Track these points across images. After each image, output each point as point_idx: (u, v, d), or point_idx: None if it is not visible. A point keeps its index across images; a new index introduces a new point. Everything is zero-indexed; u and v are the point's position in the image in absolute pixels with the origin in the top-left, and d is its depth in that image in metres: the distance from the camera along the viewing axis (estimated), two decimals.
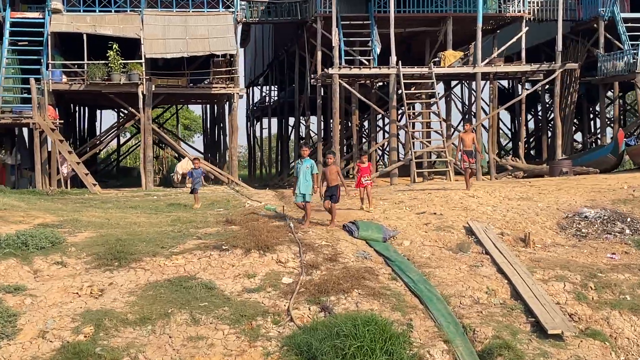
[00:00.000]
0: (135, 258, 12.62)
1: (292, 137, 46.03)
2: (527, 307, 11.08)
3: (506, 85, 43.97)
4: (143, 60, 29.19)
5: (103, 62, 28.86)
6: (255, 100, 52.25)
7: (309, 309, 10.95)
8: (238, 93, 31.18)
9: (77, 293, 11.44)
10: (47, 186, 27.57)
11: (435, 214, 15.72)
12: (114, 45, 28.60)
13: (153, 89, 29.64)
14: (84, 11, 30.51)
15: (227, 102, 33.83)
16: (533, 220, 15.35)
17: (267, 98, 48.00)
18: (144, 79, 29.19)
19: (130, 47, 30.09)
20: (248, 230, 14.10)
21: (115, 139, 46.60)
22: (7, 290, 11.36)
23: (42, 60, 29.31)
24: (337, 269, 12.27)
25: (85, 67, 29.07)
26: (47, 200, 21.13)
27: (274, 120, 48.41)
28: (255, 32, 47.91)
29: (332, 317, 10.43)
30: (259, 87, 51.49)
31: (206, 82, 32.19)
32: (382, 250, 13.30)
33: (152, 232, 14.62)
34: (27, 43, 30.01)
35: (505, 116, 48.28)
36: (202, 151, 46.00)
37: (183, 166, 31.37)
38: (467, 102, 40.33)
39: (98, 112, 47.38)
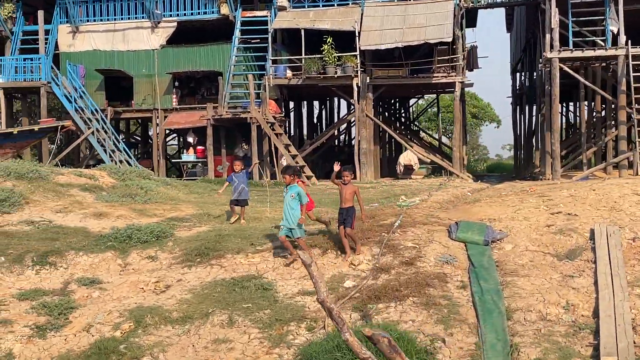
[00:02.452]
0: (218, 255, 12.64)
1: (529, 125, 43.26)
2: (599, 328, 9.36)
3: None
4: (357, 53, 29.30)
5: (318, 56, 29.45)
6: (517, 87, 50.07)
7: (350, 317, 10.19)
8: (460, 81, 30.16)
9: (142, 288, 11.70)
10: (266, 177, 28.80)
11: (569, 214, 13.79)
12: (328, 39, 29.04)
13: (367, 81, 29.66)
14: (309, 6, 31.37)
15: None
16: None
17: (521, 84, 45.81)
18: (359, 71, 29.32)
19: (346, 40, 30.30)
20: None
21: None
22: (82, 282, 11.93)
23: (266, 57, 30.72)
24: (406, 274, 11.26)
25: (303, 61, 29.89)
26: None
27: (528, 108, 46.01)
28: (516, 16, 45.97)
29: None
30: (519, 73, 49.26)
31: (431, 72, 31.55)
32: (471, 255, 12.01)
33: (260, 228, 14.57)
34: (259, 40, 31.55)
35: None
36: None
37: (405, 157, 31.06)
38: None
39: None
